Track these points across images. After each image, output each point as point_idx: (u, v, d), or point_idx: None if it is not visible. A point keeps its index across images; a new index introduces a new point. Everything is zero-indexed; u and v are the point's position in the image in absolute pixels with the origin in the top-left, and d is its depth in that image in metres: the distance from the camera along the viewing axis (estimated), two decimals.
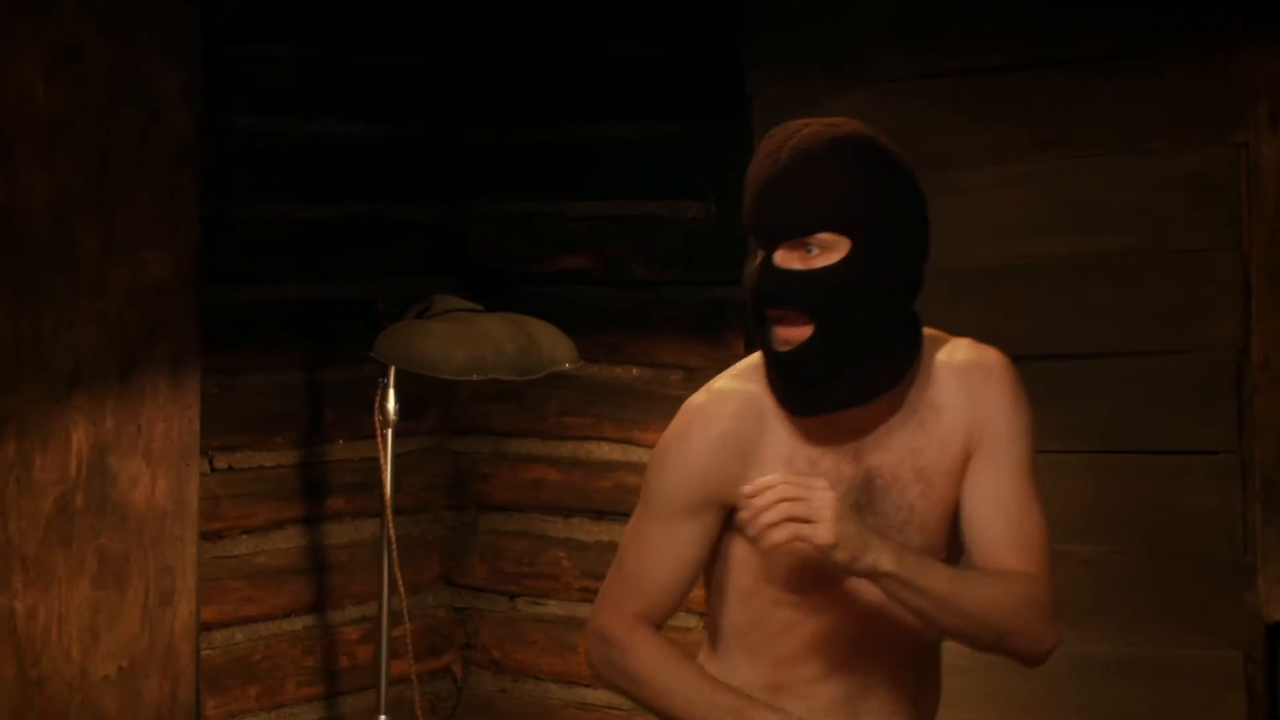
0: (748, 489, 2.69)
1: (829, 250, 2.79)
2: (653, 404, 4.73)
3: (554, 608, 4.88)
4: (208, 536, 4.39)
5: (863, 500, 2.91)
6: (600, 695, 4.80)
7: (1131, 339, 4.08)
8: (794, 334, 2.82)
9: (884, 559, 2.71)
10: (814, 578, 2.88)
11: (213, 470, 4.42)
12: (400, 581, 4.42)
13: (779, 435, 2.90)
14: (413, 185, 4.86)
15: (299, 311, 4.61)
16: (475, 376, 4.22)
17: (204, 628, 4.37)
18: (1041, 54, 4.18)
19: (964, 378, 2.97)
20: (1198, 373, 4.01)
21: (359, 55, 4.70)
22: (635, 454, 4.77)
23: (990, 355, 3.02)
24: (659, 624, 2.99)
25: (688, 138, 4.70)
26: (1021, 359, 4.12)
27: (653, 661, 2.93)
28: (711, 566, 3.02)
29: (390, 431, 4.39)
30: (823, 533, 2.64)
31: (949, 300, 4.16)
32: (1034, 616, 2.92)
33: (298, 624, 4.64)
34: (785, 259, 2.80)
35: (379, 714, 4.41)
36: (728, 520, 2.93)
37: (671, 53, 4.70)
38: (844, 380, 2.83)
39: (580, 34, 4.81)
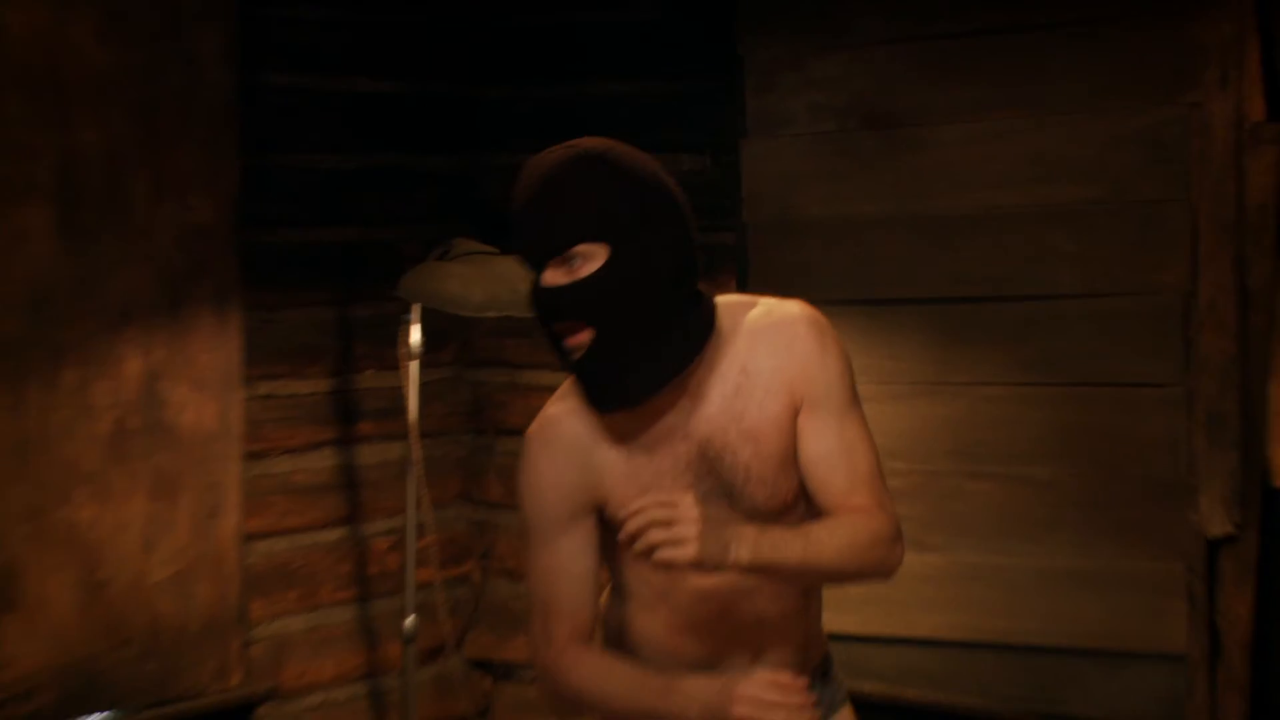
0: (622, 514, 2.69)
1: (590, 259, 2.74)
2: None
3: None
4: (252, 456, 4.39)
5: (703, 470, 2.88)
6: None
7: (1089, 283, 4.06)
8: (578, 340, 2.78)
9: (743, 553, 2.69)
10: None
11: (254, 396, 4.40)
12: (425, 498, 4.44)
13: (612, 437, 2.88)
14: (431, 138, 4.81)
15: (330, 253, 4.58)
16: (492, 313, 4.21)
17: (248, 538, 4.38)
18: (1009, 21, 4.15)
19: (771, 339, 2.90)
20: (1148, 313, 4.00)
21: (383, 18, 4.65)
22: None
23: (792, 311, 2.94)
24: (587, 635, 2.95)
25: (683, 96, 4.65)
26: (988, 300, 4.22)
27: (587, 673, 2.90)
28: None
29: (414, 363, 4.37)
30: (688, 551, 2.62)
31: (922, 246, 4.23)
32: (879, 549, 2.89)
33: (333, 535, 4.63)
34: (553, 277, 2.76)
35: (407, 616, 4.41)
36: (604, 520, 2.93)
37: (667, 17, 4.64)
38: (636, 373, 2.79)
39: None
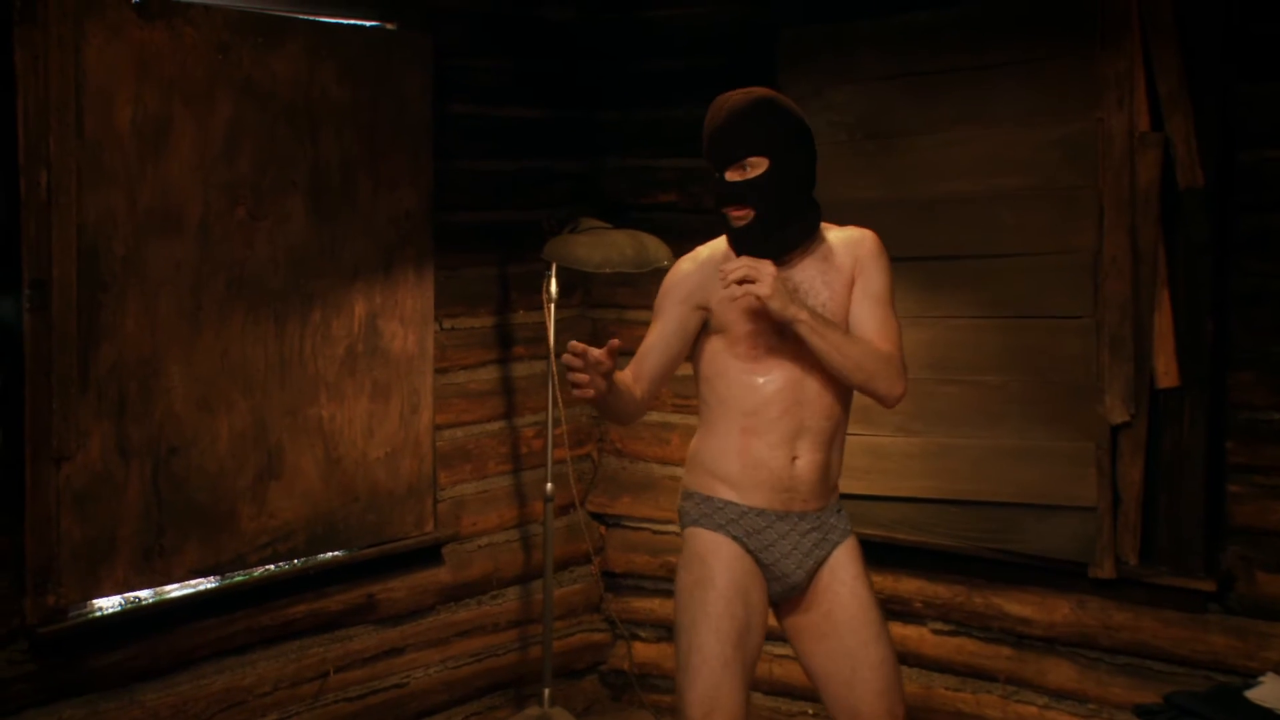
0: (724, 267, 2.99)
1: (756, 167, 3.08)
2: None
3: (655, 416, 4.89)
4: (439, 371, 4.42)
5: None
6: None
7: (1025, 245, 4.05)
8: (743, 216, 3.11)
9: (802, 312, 2.99)
10: (761, 350, 3.12)
11: (442, 329, 4.43)
12: (560, 400, 4.49)
13: None
14: (564, 148, 4.84)
15: (494, 229, 4.61)
16: (607, 269, 4.23)
17: (437, 428, 4.42)
18: (969, 62, 4.13)
19: (848, 241, 3.22)
20: (1068, 267, 3.98)
21: (530, 64, 4.68)
22: None
23: (865, 231, 3.25)
24: (643, 379, 3.19)
25: None
26: (952, 258, 4.20)
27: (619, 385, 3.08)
28: (698, 363, 3.24)
29: (553, 305, 4.42)
30: (763, 288, 2.94)
31: (909, 221, 4.21)
32: (890, 369, 3.11)
33: (495, 426, 4.66)
34: (733, 175, 3.10)
35: (547, 482, 4.45)
36: (705, 328, 3.18)
37: (729, 61, 4.63)
38: (773, 240, 3.10)
39: (674, 48, 4.78)
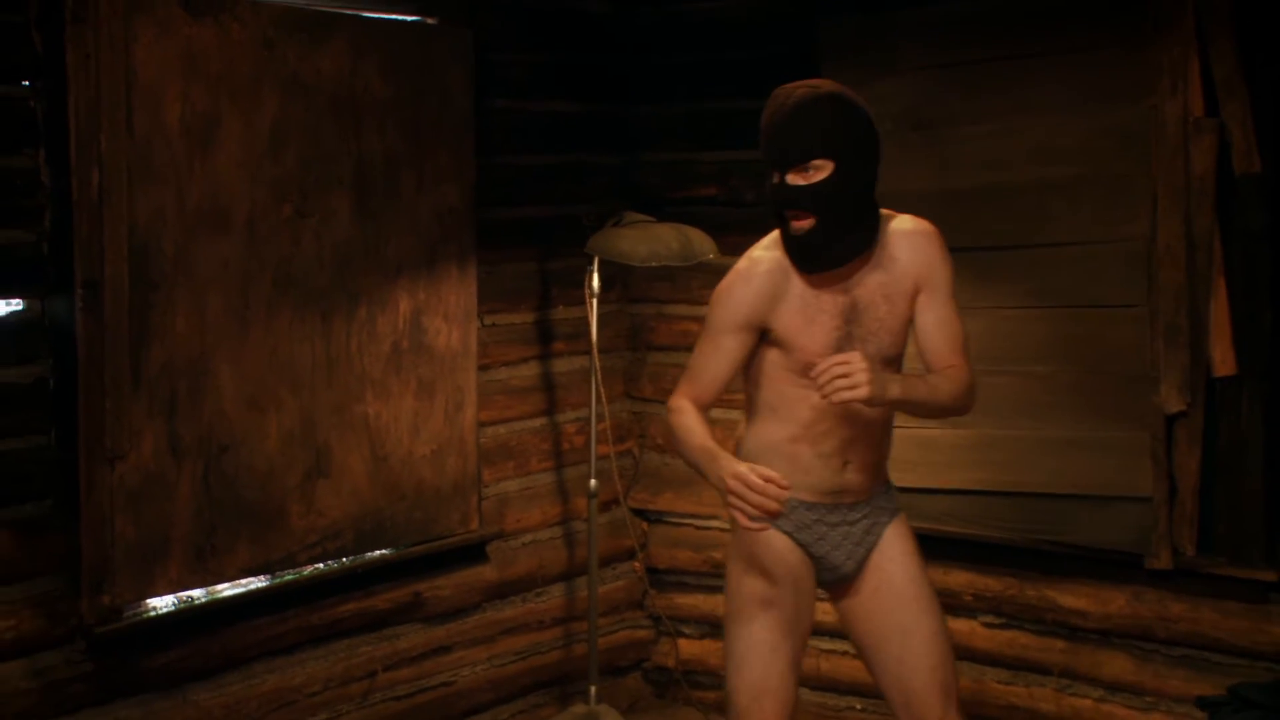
0: (813, 371, 2.84)
1: (821, 170, 2.93)
2: None
3: None
4: (482, 368, 4.42)
5: (851, 316, 3.04)
6: None
7: (1078, 234, 4.04)
8: (803, 224, 2.96)
9: (893, 390, 2.87)
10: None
11: (483, 325, 4.43)
12: (603, 396, 4.49)
13: (796, 285, 3.03)
14: (601, 143, 4.84)
15: (533, 224, 4.61)
16: (653, 264, 4.23)
17: (481, 425, 4.42)
18: (1012, 50, 4.11)
19: (911, 240, 3.08)
20: (1122, 255, 3.98)
21: (568, 58, 4.69)
22: None
23: (926, 225, 3.13)
24: (705, 405, 3.09)
25: None
26: (1001, 249, 4.19)
27: (683, 420, 3.04)
28: (750, 366, 3.13)
29: (595, 300, 4.41)
30: (862, 391, 2.77)
31: (957, 211, 4.17)
32: (968, 395, 3.06)
33: (537, 423, 4.66)
34: (794, 178, 2.94)
35: (591, 478, 4.46)
36: (762, 337, 3.07)
37: (768, 54, 4.65)
38: (833, 251, 2.98)
39: (712, 41, 4.78)
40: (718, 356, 3.07)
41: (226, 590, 3.79)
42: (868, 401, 2.82)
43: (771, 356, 3.09)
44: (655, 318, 4.97)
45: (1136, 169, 3.93)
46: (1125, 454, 3.97)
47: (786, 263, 3.04)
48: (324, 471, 3.93)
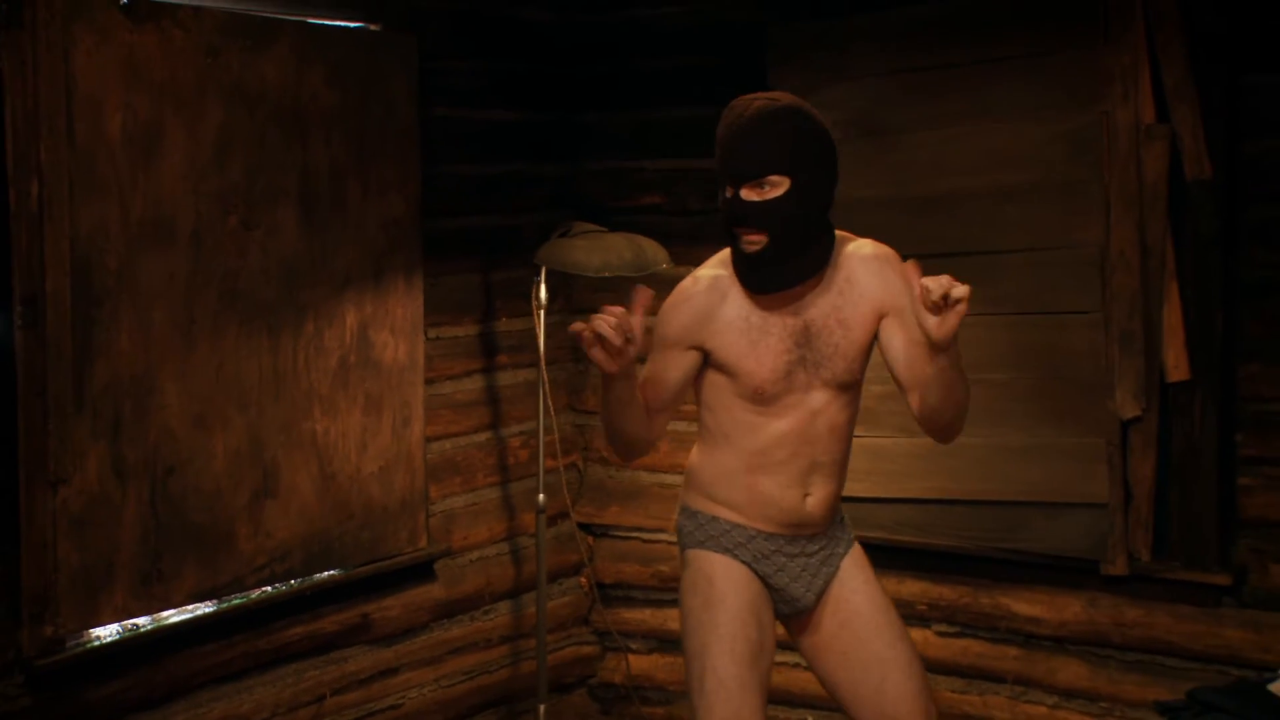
0: (923, 282, 2.75)
1: (776, 187, 2.85)
2: None
3: None
4: (427, 382, 4.37)
5: (803, 340, 2.97)
6: (674, 478, 4.81)
7: (1031, 241, 4.05)
8: (754, 240, 2.88)
9: (955, 339, 2.80)
10: (768, 394, 2.96)
11: (428, 339, 4.38)
12: (550, 407, 4.44)
13: (737, 305, 2.96)
14: (547, 151, 4.81)
15: (476, 235, 4.56)
16: (606, 274, 4.19)
17: (427, 440, 4.37)
18: (967, 57, 4.13)
19: (870, 265, 3.02)
20: (1075, 261, 3.99)
21: (510, 66, 4.64)
22: None
23: (886, 249, 3.06)
24: (652, 410, 3.03)
25: None
26: (954, 255, 4.17)
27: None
28: (699, 389, 3.06)
29: (543, 312, 4.37)
30: (965, 290, 2.75)
31: (910, 218, 4.20)
32: (964, 410, 3.01)
33: (482, 437, 4.61)
34: (748, 194, 2.86)
35: (539, 493, 4.41)
36: (706, 360, 3.00)
37: (714, 60, 4.63)
38: (787, 269, 2.90)
39: (658, 47, 4.75)
40: (659, 370, 3.02)
41: (173, 617, 3.68)
42: (958, 307, 2.73)
43: (719, 381, 3.01)
44: None
45: (1089, 175, 3.95)
46: (1080, 460, 3.98)
47: (727, 282, 2.96)
48: (272, 491, 3.85)
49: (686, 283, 3.03)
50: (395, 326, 4.17)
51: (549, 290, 4.47)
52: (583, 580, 4.93)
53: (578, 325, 2.76)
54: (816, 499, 3.06)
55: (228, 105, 3.66)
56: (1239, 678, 3.78)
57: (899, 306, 2.98)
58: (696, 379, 3.06)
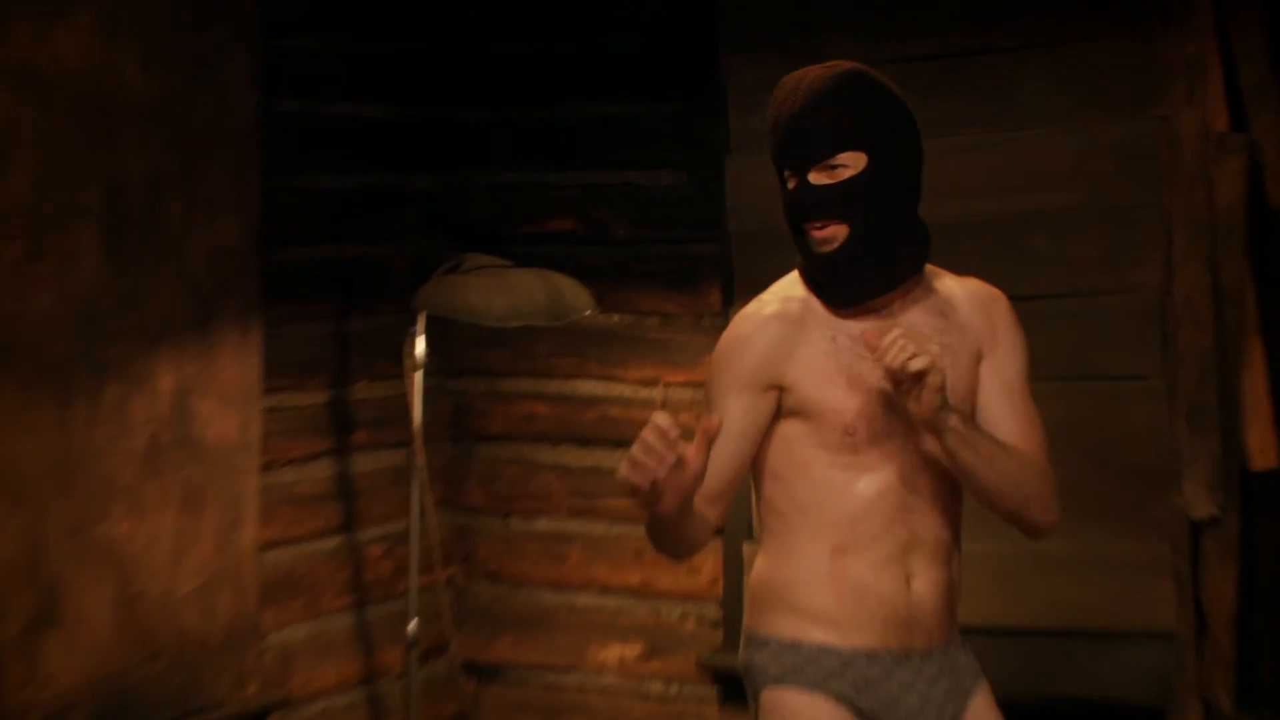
0: (874, 340, 2.83)
1: (852, 166, 2.93)
2: (633, 346, 4.79)
3: (545, 524, 4.88)
4: (263, 468, 4.33)
5: None
6: (589, 599, 4.82)
7: (1070, 283, 4.12)
8: (831, 234, 2.94)
9: (954, 417, 2.85)
10: (861, 437, 2.97)
11: (265, 410, 4.33)
12: (429, 504, 4.41)
13: (820, 327, 2.99)
14: (423, 158, 4.80)
15: (328, 270, 4.54)
16: (514, 323, 4.18)
17: (261, 548, 4.32)
18: (975, 44, 4.21)
19: (976, 296, 3.12)
20: (1127, 311, 4.07)
21: (377, 46, 4.64)
22: (617, 389, 4.82)
23: (993, 288, 3.17)
24: (712, 498, 2.95)
25: (662, 116, 4.72)
26: None
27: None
28: (766, 457, 3.04)
29: (419, 374, 4.34)
30: (938, 376, 2.79)
31: None
32: (1048, 487, 3.05)
33: (331, 543, 4.58)
34: (817, 178, 2.93)
35: (410, 620, 4.37)
36: (778, 410, 3.00)
37: (648, 44, 4.70)
38: (875, 271, 2.97)
39: (570, 26, 4.79)
40: (724, 430, 2.91)
41: None
42: (929, 391, 2.78)
43: (791, 434, 3.00)
44: (487, 396, 4.94)
45: (1144, 199, 4.03)
46: (1139, 574, 4.04)
47: (801, 305, 3.01)
48: (54, 619, 3.78)
49: (750, 308, 3.05)
50: (224, 393, 4.14)
51: (426, 345, 4.46)
52: None
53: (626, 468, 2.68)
54: (924, 584, 3.02)
55: (12, 94, 3.63)
56: None
57: (998, 349, 3.08)
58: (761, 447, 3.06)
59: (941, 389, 2.81)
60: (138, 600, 3.96)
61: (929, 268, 3.10)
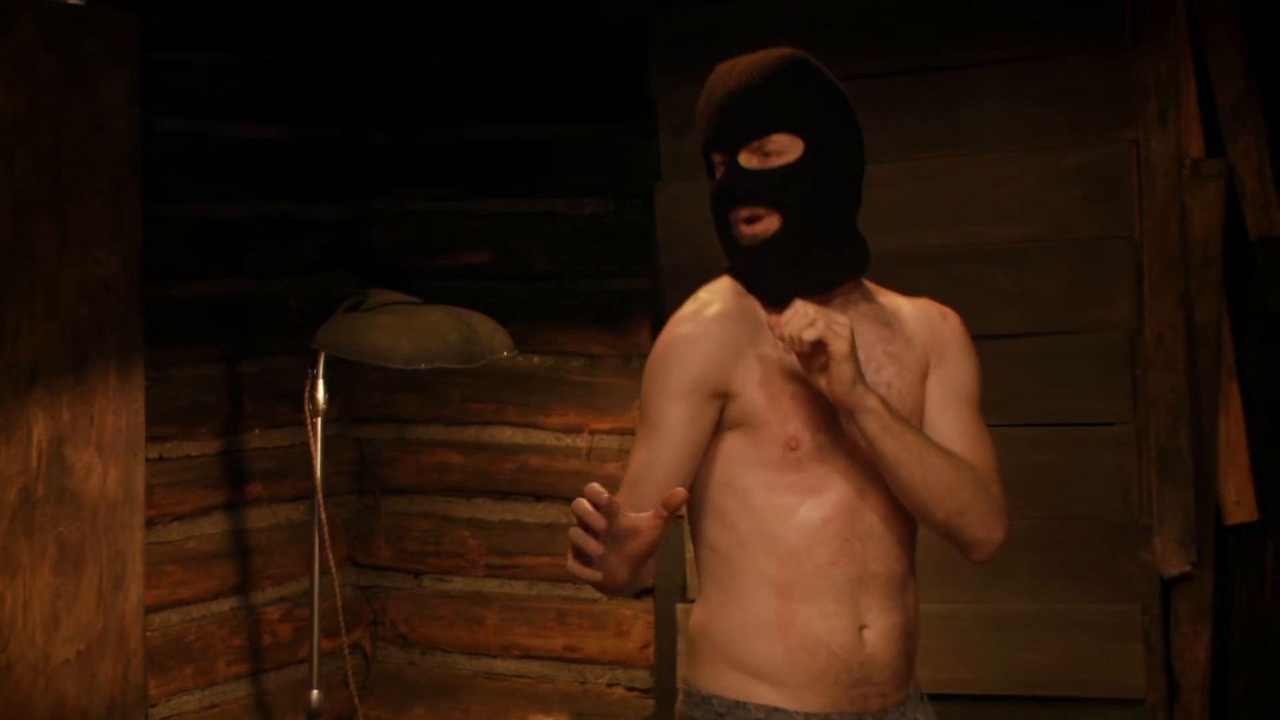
0: (777, 318, 2.82)
1: (786, 151, 2.92)
2: (556, 389, 4.79)
3: (460, 584, 4.90)
4: (147, 524, 4.33)
5: None
6: (509, 665, 4.82)
7: (1032, 321, 4.14)
8: (762, 227, 2.93)
9: (873, 397, 2.83)
10: (806, 450, 2.93)
11: (149, 460, 4.34)
12: (331, 562, 4.38)
13: (767, 333, 2.95)
14: (318, 185, 4.82)
15: (217, 307, 4.56)
16: (423, 365, 4.18)
17: (147, 611, 4.32)
18: (937, 59, 4.24)
19: (925, 312, 3.13)
20: (1094, 351, 4.08)
21: (270, 59, 4.66)
22: (539, 437, 4.82)
23: (947, 307, 3.18)
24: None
25: (586, 140, 4.75)
26: None
27: None
28: (705, 487, 2.99)
29: (320, 421, 4.33)
30: (842, 344, 2.76)
31: None
32: (988, 500, 3.01)
33: (224, 605, 4.60)
34: (749, 160, 2.93)
35: (312, 689, 4.34)
36: (719, 423, 2.96)
37: (570, 61, 4.73)
38: (810, 267, 2.95)
39: (487, 40, 4.80)
40: (666, 441, 2.92)
41: None
42: (839, 362, 2.76)
43: (730, 452, 2.96)
44: (395, 444, 4.96)
45: (1113, 229, 4.05)
46: (1106, 636, 4.04)
47: (745, 304, 2.97)
48: None
49: (690, 309, 3.00)
50: (103, 443, 4.14)
51: (327, 389, 4.45)
52: None
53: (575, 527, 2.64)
54: (878, 632, 2.99)
55: None
56: None
57: (947, 366, 3.07)
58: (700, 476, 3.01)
59: (852, 358, 2.77)
60: (10, 669, 3.95)
61: (875, 286, 3.11)
